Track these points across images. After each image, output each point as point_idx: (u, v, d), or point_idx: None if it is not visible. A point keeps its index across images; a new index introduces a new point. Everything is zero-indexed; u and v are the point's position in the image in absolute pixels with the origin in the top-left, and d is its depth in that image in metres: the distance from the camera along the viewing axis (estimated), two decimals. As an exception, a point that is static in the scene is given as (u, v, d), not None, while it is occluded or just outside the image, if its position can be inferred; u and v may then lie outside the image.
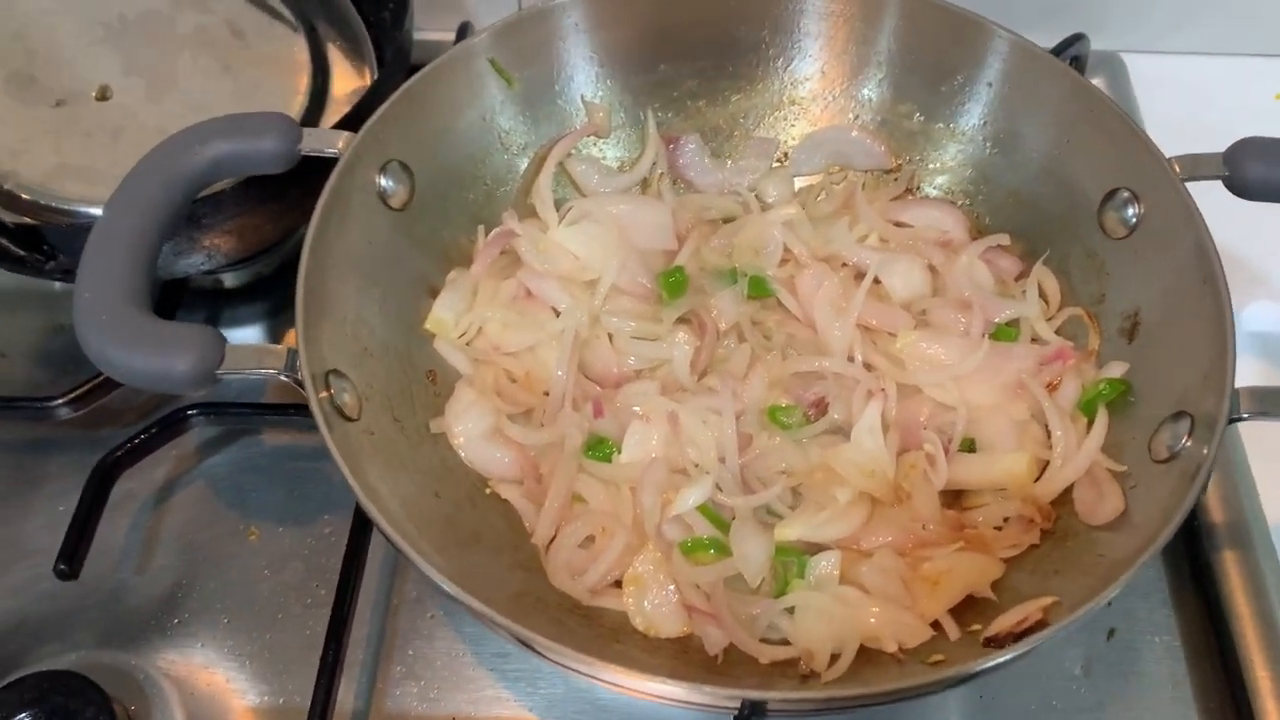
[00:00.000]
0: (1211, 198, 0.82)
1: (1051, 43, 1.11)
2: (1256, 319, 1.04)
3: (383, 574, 0.87)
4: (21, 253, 0.85)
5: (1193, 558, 0.88)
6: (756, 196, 0.99)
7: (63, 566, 0.81)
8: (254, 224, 0.90)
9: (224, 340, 0.72)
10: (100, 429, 0.93)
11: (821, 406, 0.86)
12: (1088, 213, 0.88)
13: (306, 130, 0.81)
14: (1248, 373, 0.98)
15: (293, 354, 0.72)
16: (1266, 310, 1.04)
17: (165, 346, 0.70)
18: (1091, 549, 0.76)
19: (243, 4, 1.05)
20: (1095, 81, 1.18)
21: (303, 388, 0.72)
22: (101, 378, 0.91)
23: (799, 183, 1.00)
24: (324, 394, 0.73)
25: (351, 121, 0.85)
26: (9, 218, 0.87)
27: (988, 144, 0.95)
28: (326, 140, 0.81)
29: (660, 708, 0.74)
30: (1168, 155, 0.83)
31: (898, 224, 0.95)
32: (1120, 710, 0.82)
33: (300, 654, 0.83)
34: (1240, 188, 0.81)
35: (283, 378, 0.72)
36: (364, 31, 1.06)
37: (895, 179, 0.99)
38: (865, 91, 0.98)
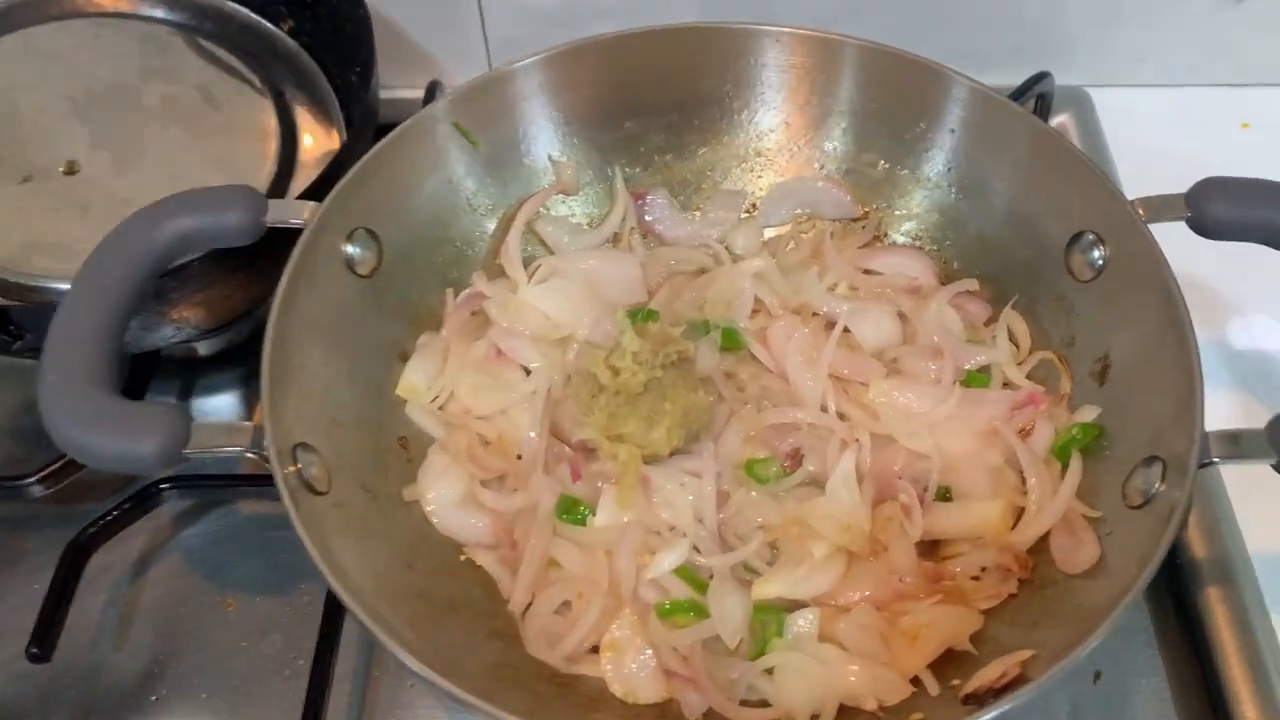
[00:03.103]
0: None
1: (1017, 81, 1.12)
2: (1239, 336, 1.02)
3: (361, 644, 0.86)
4: (-12, 333, 0.84)
5: (1176, 596, 0.87)
6: (726, 248, 0.99)
7: (34, 650, 0.80)
8: (222, 295, 0.89)
9: (190, 419, 0.71)
10: (74, 504, 0.92)
11: (797, 458, 0.85)
12: (1054, 256, 0.88)
13: (272, 202, 0.81)
14: (1238, 394, 0.95)
15: (259, 430, 0.72)
16: (1249, 326, 1.03)
17: (131, 429, 0.70)
18: (1069, 597, 0.75)
19: (211, 72, 1.05)
20: (1062, 117, 1.18)
21: (269, 464, 0.71)
22: (72, 455, 0.90)
23: (768, 233, 1.00)
24: (291, 469, 0.72)
25: (318, 190, 0.85)
26: (-24, 298, 0.87)
27: (953, 190, 0.95)
28: (291, 211, 0.81)
29: (641, 775, 0.73)
30: (1135, 192, 0.83)
31: (867, 271, 0.95)
32: (1109, 757, 0.81)
33: (279, 728, 0.82)
34: (1203, 228, 0.81)
35: (249, 455, 0.71)
36: (331, 94, 1.06)
37: (863, 227, 0.99)
38: (829, 141, 0.98)
